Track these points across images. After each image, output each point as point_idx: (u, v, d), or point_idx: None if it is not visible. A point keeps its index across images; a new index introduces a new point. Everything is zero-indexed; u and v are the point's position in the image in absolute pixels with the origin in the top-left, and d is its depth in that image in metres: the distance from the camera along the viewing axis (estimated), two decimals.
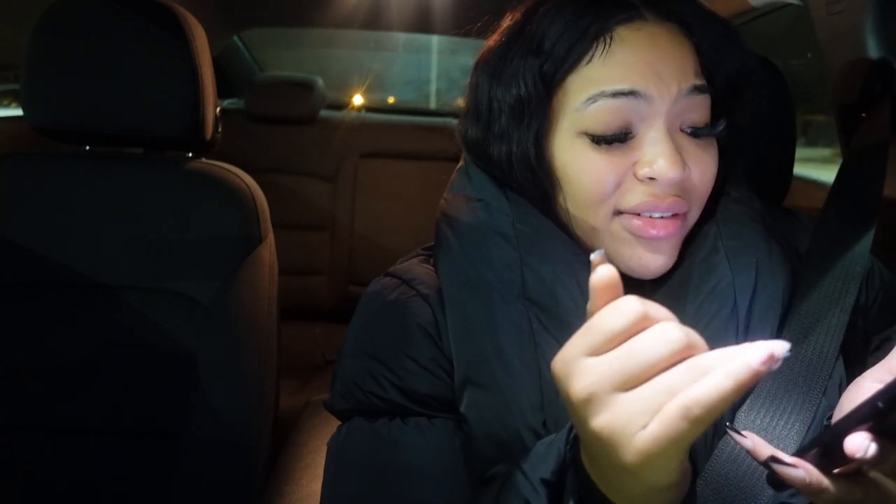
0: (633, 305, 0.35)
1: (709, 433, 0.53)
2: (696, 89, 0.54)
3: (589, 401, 0.35)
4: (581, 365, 0.35)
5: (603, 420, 0.34)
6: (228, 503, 0.94)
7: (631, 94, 0.53)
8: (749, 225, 0.59)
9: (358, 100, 2.58)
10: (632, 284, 0.60)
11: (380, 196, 2.20)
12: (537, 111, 0.56)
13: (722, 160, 0.60)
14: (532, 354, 0.53)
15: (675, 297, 0.57)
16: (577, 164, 0.55)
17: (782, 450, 0.50)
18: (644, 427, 0.33)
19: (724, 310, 0.54)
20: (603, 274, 0.37)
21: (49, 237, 0.99)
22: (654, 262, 0.56)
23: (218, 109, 1.07)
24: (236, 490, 0.94)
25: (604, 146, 0.54)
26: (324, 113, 2.29)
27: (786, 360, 0.53)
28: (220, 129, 1.09)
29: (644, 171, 0.53)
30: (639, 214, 0.55)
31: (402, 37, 2.87)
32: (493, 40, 0.61)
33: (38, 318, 0.98)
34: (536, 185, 0.58)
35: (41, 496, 0.96)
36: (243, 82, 2.40)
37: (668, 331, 0.34)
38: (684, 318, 0.54)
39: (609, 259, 0.56)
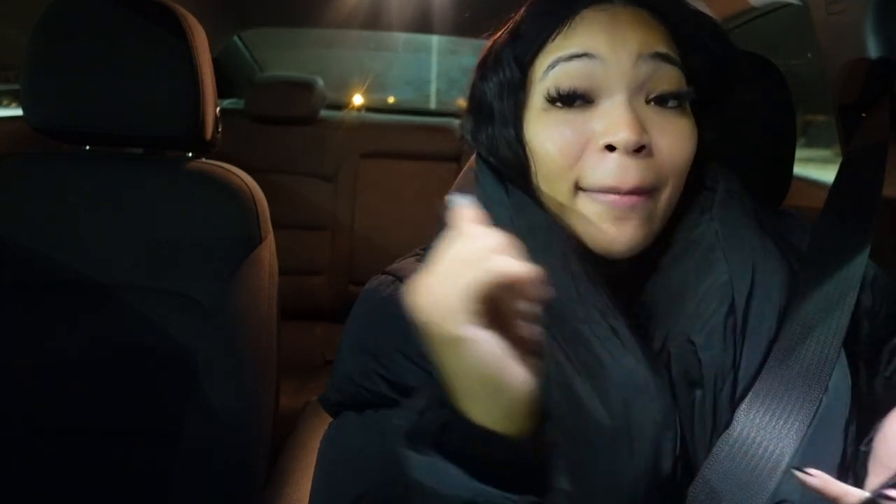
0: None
1: (707, 432, 0.53)
2: (660, 56, 0.55)
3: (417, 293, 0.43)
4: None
5: (422, 296, 0.43)
6: (228, 503, 0.94)
7: (585, 55, 0.54)
8: (745, 223, 0.59)
9: (358, 100, 2.58)
10: (631, 285, 0.60)
11: (380, 196, 2.20)
12: (514, 92, 0.59)
13: (717, 156, 0.61)
14: None
15: (676, 296, 0.57)
16: (542, 133, 0.57)
17: (781, 448, 0.50)
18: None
19: (723, 308, 0.54)
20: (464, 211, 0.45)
21: (49, 237, 0.99)
22: (621, 234, 0.55)
23: (218, 109, 1.07)
24: (236, 490, 0.94)
25: (564, 111, 0.55)
26: (324, 113, 2.29)
27: (786, 361, 0.53)
28: (220, 129, 1.09)
29: (603, 140, 0.54)
30: (603, 192, 0.55)
31: (402, 37, 2.87)
32: (490, 41, 0.63)
33: (38, 318, 0.98)
34: (518, 164, 0.59)
35: (41, 496, 0.96)
36: (243, 82, 2.40)
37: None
38: (684, 316, 0.55)
39: (582, 236, 0.57)
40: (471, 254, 0.41)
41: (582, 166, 0.55)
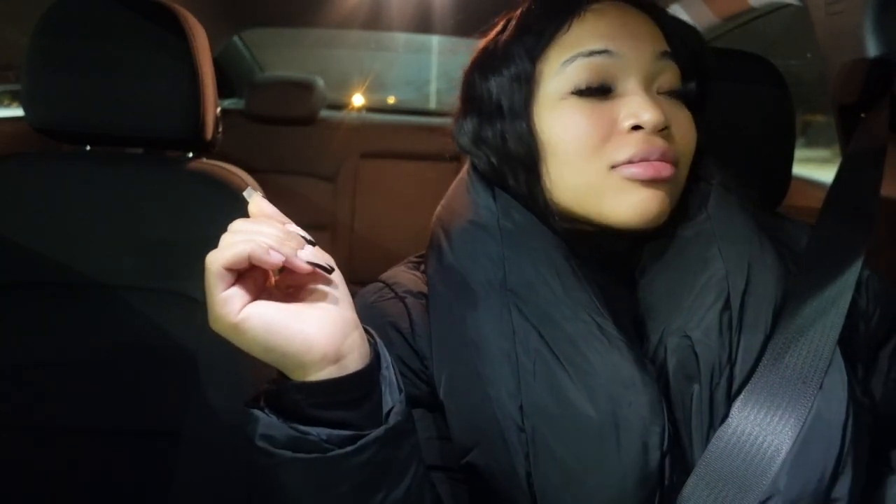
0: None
1: (704, 427, 0.53)
2: (668, 55, 0.59)
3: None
4: None
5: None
6: (228, 503, 0.94)
7: (605, 52, 0.57)
8: (741, 219, 0.60)
9: (358, 100, 2.59)
10: (630, 282, 0.60)
11: (380, 196, 2.21)
12: (526, 85, 0.60)
13: (717, 156, 0.62)
14: (510, 342, 0.55)
15: (672, 291, 0.58)
16: (562, 121, 0.58)
17: (776, 445, 0.51)
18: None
19: (719, 303, 0.55)
20: (259, 204, 0.50)
21: (49, 237, 0.99)
22: (654, 204, 0.57)
23: (218, 109, 1.07)
24: (236, 490, 0.95)
25: (586, 100, 0.58)
26: (324, 113, 2.29)
27: (781, 358, 0.54)
28: (220, 129, 1.09)
29: (628, 122, 0.56)
30: (634, 162, 0.57)
31: (402, 37, 2.87)
32: (484, 41, 0.65)
33: (38, 318, 0.98)
34: (528, 158, 0.60)
35: (41, 496, 0.96)
36: (243, 82, 2.40)
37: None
38: (681, 311, 0.56)
39: (610, 212, 0.58)
40: (209, 257, 0.45)
41: (610, 147, 0.57)
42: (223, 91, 2.24)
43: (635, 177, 0.56)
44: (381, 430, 0.46)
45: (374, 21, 2.02)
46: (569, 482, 0.52)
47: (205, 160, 1.07)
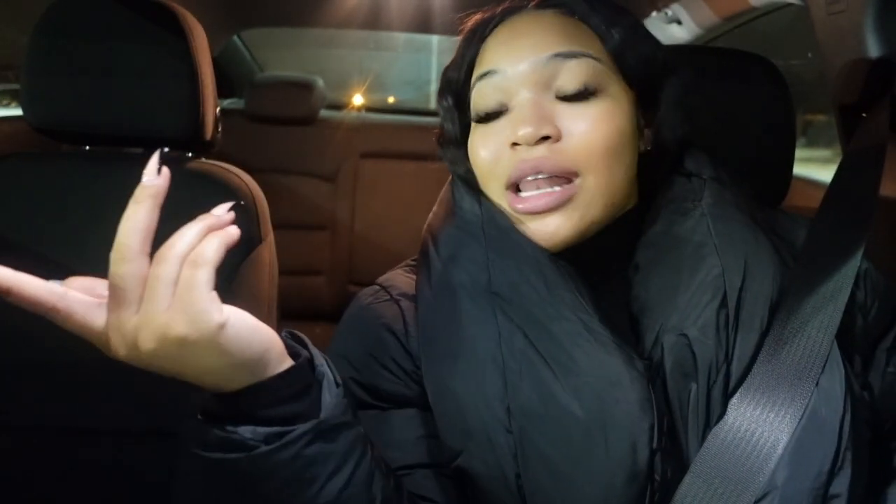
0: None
1: (701, 424, 0.54)
2: (559, 56, 0.58)
3: (126, 339, 0.44)
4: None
5: (143, 339, 0.42)
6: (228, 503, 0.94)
7: (488, 73, 0.60)
8: (736, 217, 0.60)
9: (358, 100, 2.59)
10: (623, 279, 0.61)
11: (380, 196, 2.20)
12: (456, 114, 0.65)
13: (716, 156, 0.62)
14: (496, 345, 0.55)
15: (668, 290, 0.57)
16: (475, 147, 0.62)
17: (773, 440, 0.51)
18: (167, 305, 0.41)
19: (715, 301, 0.55)
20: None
21: (49, 237, 0.99)
22: (545, 233, 0.58)
23: (218, 109, 1.07)
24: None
25: (486, 124, 0.60)
26: (324, 113, 2.29)
27: (778, 354, 0.54)
28: (220, 129, 1.09)
29: (511, 139, 0.58)
30: (516, 189, 0.58)
31: (402, 37, 2.88)
32: None
33: (37, 317, 0.98)
34: (471, 179, 0.64)
35: (41, 496, 0.96)
36: (243, 82, 2.40)
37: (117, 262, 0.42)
38: (677, 309, 0.55)
39: (529, 235, 0.59)
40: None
41: (499, 168, 0.59)
42: (223, 91, 2.24)
43: (515, 209, 0.58)
44: (309, 424, 0.45)
45: (374, 21, 2.02)
46: (557, 482, 0.52)
47: (204, 160, 1.07)
